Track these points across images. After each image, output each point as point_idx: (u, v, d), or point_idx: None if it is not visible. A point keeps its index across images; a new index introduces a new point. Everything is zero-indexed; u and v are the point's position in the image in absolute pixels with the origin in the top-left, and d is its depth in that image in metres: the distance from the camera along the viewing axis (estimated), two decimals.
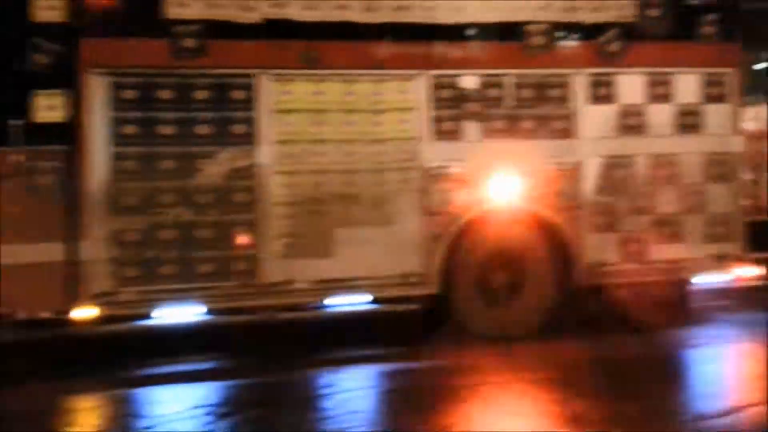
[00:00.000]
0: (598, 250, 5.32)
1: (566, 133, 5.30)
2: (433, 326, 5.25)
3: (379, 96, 5.01)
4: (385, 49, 4.99)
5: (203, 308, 4.77)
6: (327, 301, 5.00)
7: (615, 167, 5.37)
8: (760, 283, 6.14)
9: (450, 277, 5.13)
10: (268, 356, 4.84)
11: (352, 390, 4.15)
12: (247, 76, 4.82)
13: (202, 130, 4.78)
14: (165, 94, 4.74)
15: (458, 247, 5.12)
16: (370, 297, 5.04)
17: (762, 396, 4.09)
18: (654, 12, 5.42)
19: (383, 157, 5.01)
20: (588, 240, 5.30)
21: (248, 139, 4.81)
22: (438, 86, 5.10)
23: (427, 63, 5.07)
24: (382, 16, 4.99)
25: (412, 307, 5.12)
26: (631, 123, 5.40)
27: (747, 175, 5.66)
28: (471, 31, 5.17)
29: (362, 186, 4.97)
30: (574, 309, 5.42)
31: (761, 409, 3.77)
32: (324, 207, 4.91)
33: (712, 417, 3.67)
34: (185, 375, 4.55)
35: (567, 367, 4.56)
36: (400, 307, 5.12)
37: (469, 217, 5.12)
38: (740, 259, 5.53)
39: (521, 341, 5.10)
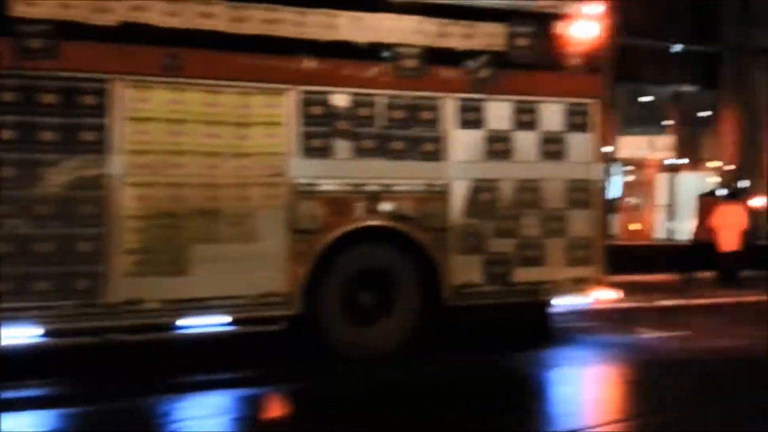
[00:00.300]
0: (464, 271, 5.39)
1: (436, 156, 5.36)
2: (297, 348, 5.10)
3: (245, 109, 4.85)
4: (253, 61, 4.86)
5: (40, 329, 4.38)
6: (180, 323, 4.74)
7: (482, 190, 5.48)
8: (617, 305, 6.47)
9: (315, 297, 5.01)
10: (110, 381, 4.50)
11: (197, 418, 3.90)
12: (101, 80, 4.52)
13: (47, 136, 4.43)
14: (7, 97, 4.37)
15: (324, 266, 5.02)
16: (227, 318, 4.82)
17: (616, 415, 4.26)
18: (523, 42, 5.63)
19: (247, 172, 4.84)
20: (455, 261, 5.36)
21: (98, 148, 4.50)
22: (308, 102, 5.02)
23: (297, 78, 4.98)
24: (250, 27, 4.85)
25: (273, 328, 4.93)
26: (498, 148, 5.54)
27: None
28: (343, 50, 5.14)
29: (223, 201, 4.77)
30: (441, 329, 5.45)
31: (614, 427, 3.90)
32: (180, 222, 4.66)
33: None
34: (11, 402, 4.12)
35: (429, 387, 4.54)
36: (259, 329, 4.92)
37: (337, 236, 5.04)
38: (599, 282, 5.78)
39: (386, 362, 5.05)
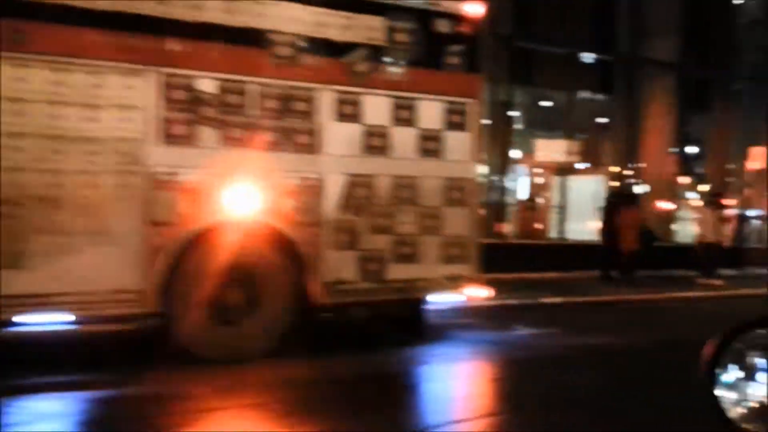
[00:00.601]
0: (336, 268, 5.27)
1: (309, 148, 5.20)
2: (153, 348, 4.80)
3: (97, 89, 4.49)
4: (107, 38, 4.51)
5: None
6: (17, 319, 4.34)
7: (357, 186, 5.38)
8: (489, 303, 6.56)
9: (173, 295, 4.74)
10: None
11: (31, 422, 3.56)
12: None
13: None
14: None
15: (184, 262, 4.75)
16: (72, 316, 4.46)
17: (486, 409, 4.33)
18: (402, 37, 5.56)
19: (97, 158, 4.49)
20: (327, 257, 5.23)
21: None
22: (170, 85, 4.72)
23: (158, 59, 4.67)
24: (105, 4, 4.50)
25: (126, 327, 4.62)
26: (375, 143, 5.45)
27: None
28: (213, 33, 4.87)
29: (69, 188, 4.40)
30: (311, 327, 5.31)
31: (484, 420, 3.97)
32: (17, 210, 4.26)
33: (435, 428, 3.73)
34: None
35: (298, 387, 4.40)
36: (109, 328, 4.59)
37: (198, 229, 4.78)
38: (473, 280, 5.82)
39: (252, 363, 4.85)
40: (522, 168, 14.32)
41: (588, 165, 14.77)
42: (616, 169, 14.50)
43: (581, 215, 14.37)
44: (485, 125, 13.18)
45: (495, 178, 12.82)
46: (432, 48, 5.67)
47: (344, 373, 4.79)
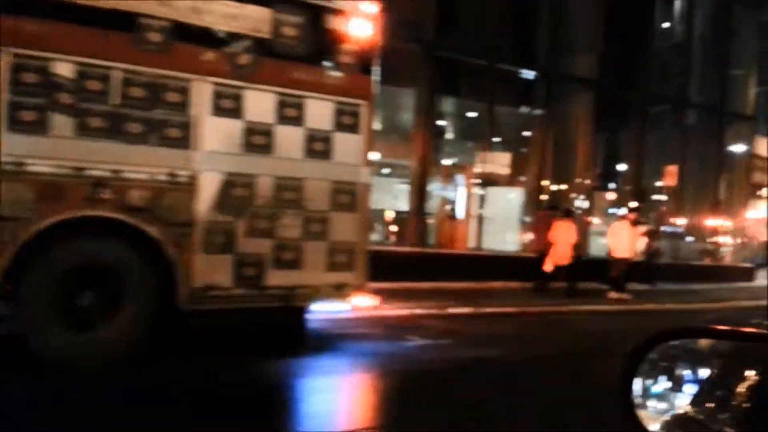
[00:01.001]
0: (208, 272, 4.92)
1: (182, 143, 4.84)
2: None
3: None
4: None
5: None
6: None
7: (236, 185, 5.06)
8: (376, 313, 6.35)
9: (20, 296, 4.29)
10: None
11: None
12: None
13: None
14: None
15: (29, 261, 4.31)
16: None
17: (369, 422, 4.12)
18: (291, 31, 5.30)
19: None
20: (197, 261, 4.88)
21: None
22: (20, 67, 4.29)
23: (7, 38, 4.23)
24: None
25: None
26: (257, 141, 5.15)
27: None
28: (73, 13, 4.47)
29: None
30: (178, 334, 4.95)
31: None
32: None
33: None
34: None
35: (159, 398, 4.02)
36: None
37: (47, 225, 4.35)
38: (359, 289, 5.59)
39: (107, 369, 4.44)
40: (443, 178, 14.30)
41: (510, 177, 14.91)
42: (538, 182, 14.68)
43: (502, 226, 14.47)
44: (407, 132, 13.12)
45: (415, 186, 12.72)
46: (324, 46, 5.43)
47: (215, 384, 4.45)
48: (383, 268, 10.75)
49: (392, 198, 13.42)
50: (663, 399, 1.18)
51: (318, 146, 5.41)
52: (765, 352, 1.08)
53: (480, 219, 14.30)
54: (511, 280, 12.07)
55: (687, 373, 1.19)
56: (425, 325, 7.35)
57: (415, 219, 12.53)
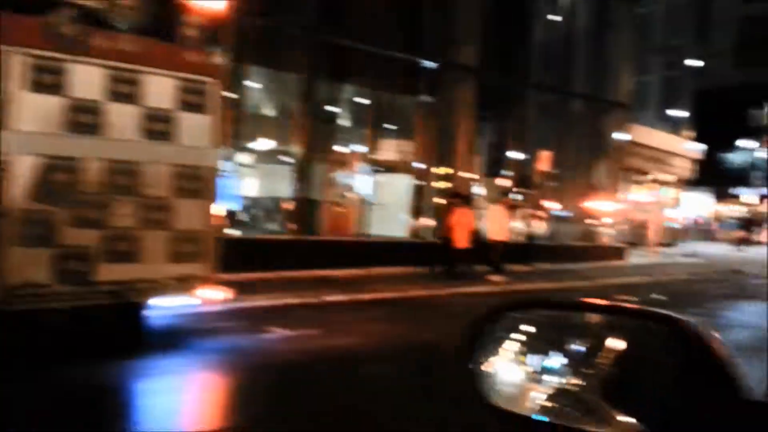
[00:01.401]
0: (24, 267, 4.40)
1: None
2: None
3: None
4: None
5: None
6: None
7: (57, 170, 4.54)
8: (241, 305, 6.02)
9: None
10: None
11: None
12: None
13: None
14: None
15: None
16: None
17: (217, 423, 3.85)
18: (127, 0, 4.81)
19: None
20: (10, 255, 4.34)
21: None
22: None
23: None
24: None
25: None
26: (84, 120, 4.65)
27: None
28: None
29: None
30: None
31: None
32: None
33: None
34: None
35: None
36: None
37: None
38: (208, 281, 5.23)
39: None
40: (332, 164, 14.04)
41: (400, 163, 14.87)
42: (428, 168, 14.74)
43: (392, 213, 14.43)
44: (292, 117, 12.73)
45: (299, 173, 12.37)
46: (165, 18, 5.00)
47: (43, 391, 3.98)
48: (264, 258, 10.52)
49: (288, 185, 13.01)
50: (502, 371, 1.15)
51: (157, 126, 4.97)
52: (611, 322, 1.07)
53: (370, 205, 14.17)
54: (400, 265, 12.05)
55: (536, 345, 1.16)
56: (292, 315, 7.08)
57: (298, 206, 12.20)
